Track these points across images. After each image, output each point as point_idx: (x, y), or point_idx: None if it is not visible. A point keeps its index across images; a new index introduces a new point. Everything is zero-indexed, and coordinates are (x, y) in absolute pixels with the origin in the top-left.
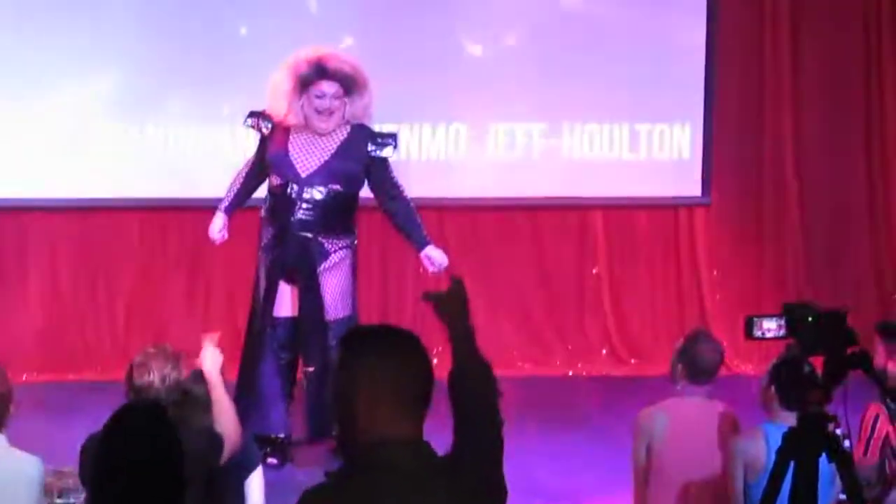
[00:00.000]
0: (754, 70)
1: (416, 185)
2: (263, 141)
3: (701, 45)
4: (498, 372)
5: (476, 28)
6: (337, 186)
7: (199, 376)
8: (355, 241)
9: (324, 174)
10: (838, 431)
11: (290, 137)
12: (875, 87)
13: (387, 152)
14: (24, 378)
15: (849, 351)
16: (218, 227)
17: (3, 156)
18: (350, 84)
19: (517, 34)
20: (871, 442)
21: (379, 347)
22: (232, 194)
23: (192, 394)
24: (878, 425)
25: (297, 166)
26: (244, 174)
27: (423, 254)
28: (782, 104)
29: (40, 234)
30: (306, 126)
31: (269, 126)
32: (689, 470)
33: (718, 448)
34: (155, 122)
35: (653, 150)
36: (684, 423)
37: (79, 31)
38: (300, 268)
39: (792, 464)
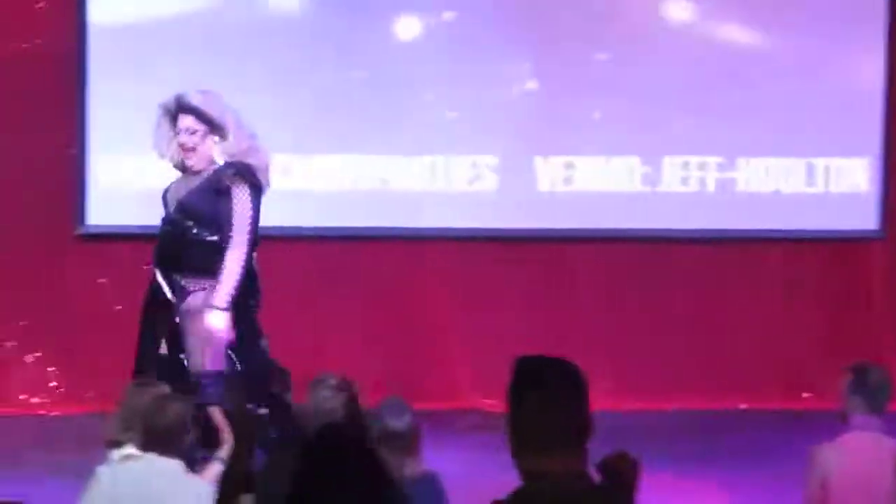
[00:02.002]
0: None
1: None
2: None
3: (880, 78)
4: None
5: (630, 60)
6: (189, 223)
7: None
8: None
9: (180, 210)
10: None
11: (179, 176)
12: None
13: (230, 190)
14: None
15: None
16: None
17: None
18: (210, 119)
19: (686, 66)
20: None
21: (543, 383)
22: None
23: (390, 428)
24: None
25: (168, 203)
26: None
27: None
28: None
29: None
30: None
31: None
32: None
33: (893, 485)
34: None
35: (829, 183)
36: (860, 458)
37: None
38: (161, 309)
39: None
